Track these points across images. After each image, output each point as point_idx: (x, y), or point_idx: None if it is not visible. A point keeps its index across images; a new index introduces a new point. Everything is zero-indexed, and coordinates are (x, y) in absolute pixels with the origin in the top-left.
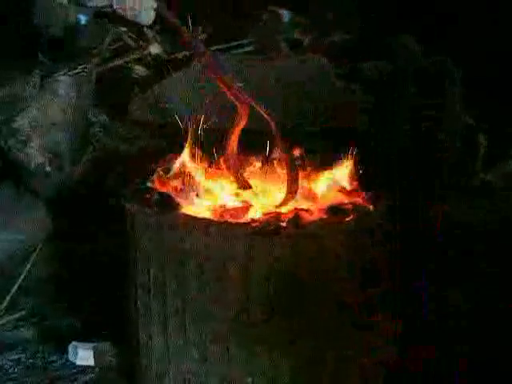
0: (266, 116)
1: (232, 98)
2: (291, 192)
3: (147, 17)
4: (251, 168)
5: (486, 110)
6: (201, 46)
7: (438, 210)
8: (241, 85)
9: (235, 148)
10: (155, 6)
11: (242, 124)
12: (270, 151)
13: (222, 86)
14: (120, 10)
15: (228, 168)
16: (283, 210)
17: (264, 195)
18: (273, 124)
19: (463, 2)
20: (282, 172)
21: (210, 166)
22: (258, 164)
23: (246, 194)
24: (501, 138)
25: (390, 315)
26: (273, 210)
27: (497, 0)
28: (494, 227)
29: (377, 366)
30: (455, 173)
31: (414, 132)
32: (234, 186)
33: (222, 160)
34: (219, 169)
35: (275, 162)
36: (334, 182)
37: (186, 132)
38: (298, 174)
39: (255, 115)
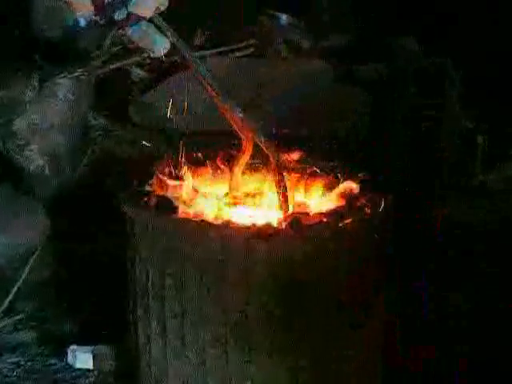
0: (265, 150)
1: (236, 129)
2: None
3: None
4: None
5: (486, 111)
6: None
7: (438, 210)
8: (242, 115)
9: (239, 180)
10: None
11: (247, 156)
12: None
13: (227, 117)
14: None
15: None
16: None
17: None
18: (272, 157)
19: (463, 2)
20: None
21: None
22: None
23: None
24: (501, 139)
25: (389, 315)
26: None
27: (497, 0)
28: (493, 227)
29: (376, 365)
30: (455, 173)
31: (414, 132)
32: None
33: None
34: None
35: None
36: (333, 184)
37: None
38: (287, 195)
39: None
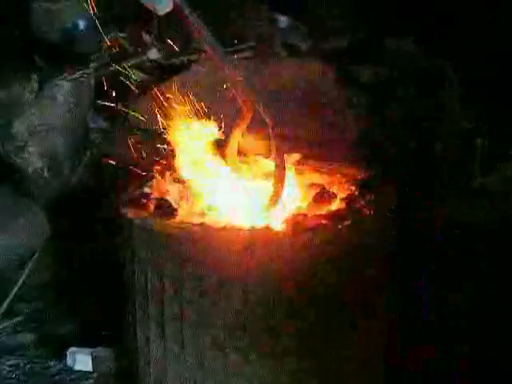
0: (263, 116)
1: (236, 95)
2: (276, 195)
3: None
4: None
5: (486, 111)
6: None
7: (438, 210)
8: (240, 78)
9: (236, 146)
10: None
11: (246, 122)
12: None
13: (229, 81)
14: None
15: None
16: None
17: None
18: (269, 123)
19: (463, 3)
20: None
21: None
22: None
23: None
24: (500, 139)
25: (389, 315)
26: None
27: (497, 0)
28: (493, 227)
29: (377, 365)
30: (455, 173)
31: (414, 132)
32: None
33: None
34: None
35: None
36: (333, 185)
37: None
38: (283, 177)
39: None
